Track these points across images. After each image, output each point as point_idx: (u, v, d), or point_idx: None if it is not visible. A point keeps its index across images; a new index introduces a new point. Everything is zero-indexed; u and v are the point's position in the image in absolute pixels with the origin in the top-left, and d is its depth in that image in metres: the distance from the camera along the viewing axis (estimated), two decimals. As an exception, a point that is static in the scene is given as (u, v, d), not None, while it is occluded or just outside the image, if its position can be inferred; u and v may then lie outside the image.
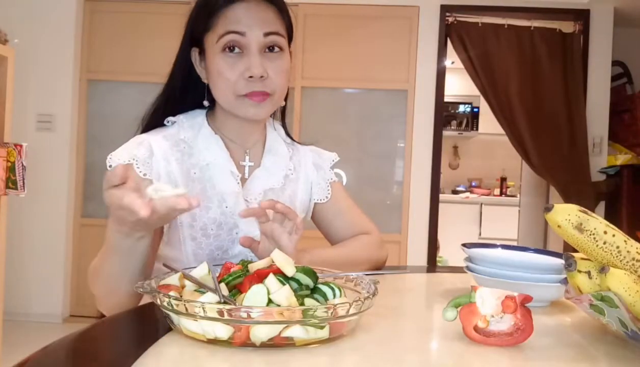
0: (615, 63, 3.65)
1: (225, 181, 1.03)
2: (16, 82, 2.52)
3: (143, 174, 0.97)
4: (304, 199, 1.16)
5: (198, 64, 1.05)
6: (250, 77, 0.97)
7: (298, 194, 1.14)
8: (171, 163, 1.01)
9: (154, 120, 1.07)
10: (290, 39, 1.07)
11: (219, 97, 1.02)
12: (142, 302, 0.90)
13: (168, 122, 1.07)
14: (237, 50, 0.98)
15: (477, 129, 5.98)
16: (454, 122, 5.97)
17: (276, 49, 1.00)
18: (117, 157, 0.98)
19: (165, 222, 0.93)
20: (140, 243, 0.78)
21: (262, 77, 0.97)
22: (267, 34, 0.98)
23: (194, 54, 1.05)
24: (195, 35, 1.04)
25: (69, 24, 3.54)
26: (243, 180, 1.06)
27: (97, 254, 0.87)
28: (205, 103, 1.06)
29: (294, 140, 1.20)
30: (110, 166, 0.99)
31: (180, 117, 1.07)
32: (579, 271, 0.70)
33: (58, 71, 3.54)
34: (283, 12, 1.03)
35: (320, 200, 1.18)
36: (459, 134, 5.98)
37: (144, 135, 1.04)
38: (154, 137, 1.02)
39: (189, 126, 1.05)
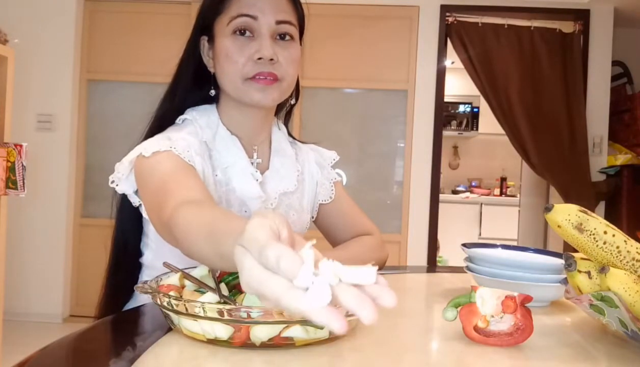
0: (615, 63, 3.64)
1: (246, 185, 1.00)
2: (16, 82, 2.51)
3: (187, 161, 0.91)
4: (311, 199, 1.15)
5: (206, 53, 1.03)
6: (260, 59, 0.95)
7: (305, 195, 1.13)
8: (205, 160, 0.97)
9: (163, 114, 1.04)
10: (302, 30, 1.05)
11: (225, 83, 0.99)
12: (142, 302, 0.90)
13: (180, 120, 1.03)
14: (247, 33, 0.97)
15: (477, 129, 5.98)
16: (454, 122, 5.97)
17: (287, 37, 0.99)
18: (144, 149, 0.89)
19: None
20: None
21: (271, 60, 0.96)
22: (279, 22, 0.97)
23: (203, 42, 1.04)
24: (205, 21, 1.02)
25: (69, 24, 3.54)
26: None
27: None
28: (212, 92, 1.03)
29: (295, 139, 1.19)
30: (114, 183, 0.93)
31: (193, 114, 1.03)
32: (579, 271, 0.70)
33: (58, 71, 3.54)
34: (296, 1, 1.03)
35: (325, 200, 1.17)
36: (459, 134, 5.98)
37: (167, 133, 0.97)
38: (180, 134, 0.97)
39: (205, 125, 1.02)
